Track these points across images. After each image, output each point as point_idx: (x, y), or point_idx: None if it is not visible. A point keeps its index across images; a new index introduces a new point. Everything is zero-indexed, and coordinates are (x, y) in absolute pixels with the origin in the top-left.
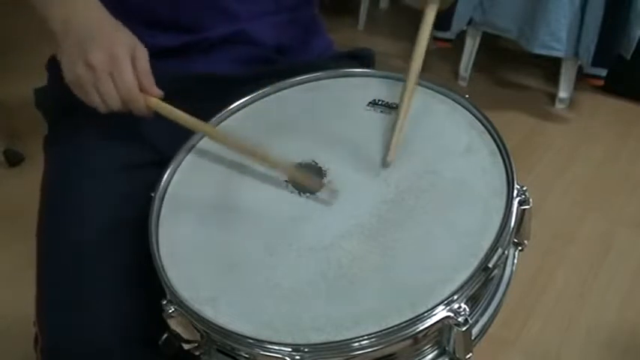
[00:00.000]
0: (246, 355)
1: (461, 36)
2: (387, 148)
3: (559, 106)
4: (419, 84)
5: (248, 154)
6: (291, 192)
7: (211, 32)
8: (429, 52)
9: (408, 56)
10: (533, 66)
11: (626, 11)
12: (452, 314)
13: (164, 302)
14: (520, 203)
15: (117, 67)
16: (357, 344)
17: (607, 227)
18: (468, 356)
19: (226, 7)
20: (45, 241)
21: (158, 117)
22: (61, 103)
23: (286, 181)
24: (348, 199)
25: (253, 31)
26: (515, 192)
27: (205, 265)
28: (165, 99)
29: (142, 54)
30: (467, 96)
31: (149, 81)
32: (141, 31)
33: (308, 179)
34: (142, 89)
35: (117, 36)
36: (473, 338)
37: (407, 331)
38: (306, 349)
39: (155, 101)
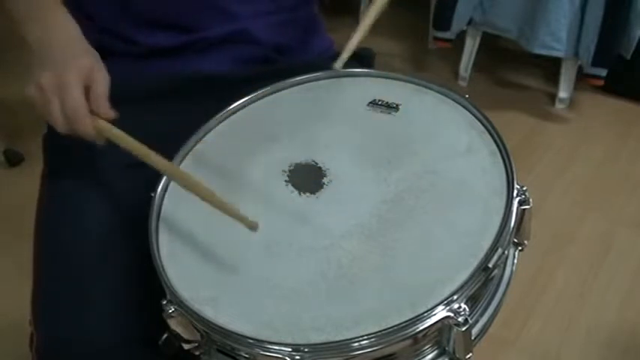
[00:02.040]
0: (246, 355)
1: (461, 36)
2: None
3: (559, 106)
4: (417, 84)
5: (197, 193)
6: (291, 192)
7: (210, 32)
8: (429, 52)
9: (408, 56)
10: (533, 66)
11: (626, 11)
12: (452, 314)
13: (164, 302)
14: (520, 203)
15: (64, 91)
16: (357, 344)
17: (607, 227)
18: (468, 356)
19: (225, 7)
20: (43, 240)
21: (157, 118)
22: None
23: (286, 181)
24: (348, 199)
25: (252, 30)
26: (515, 192)
27: (205, 265)
28: (165, 99)
29: (100, 78)
30: (467, 96)
31: (101, 104)
32: (140, 31)
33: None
34: (93, 112)
35: (73, 62)
36: (473, 338)
37: (407, 331)
38: (306, 349)
39: (102, 123)
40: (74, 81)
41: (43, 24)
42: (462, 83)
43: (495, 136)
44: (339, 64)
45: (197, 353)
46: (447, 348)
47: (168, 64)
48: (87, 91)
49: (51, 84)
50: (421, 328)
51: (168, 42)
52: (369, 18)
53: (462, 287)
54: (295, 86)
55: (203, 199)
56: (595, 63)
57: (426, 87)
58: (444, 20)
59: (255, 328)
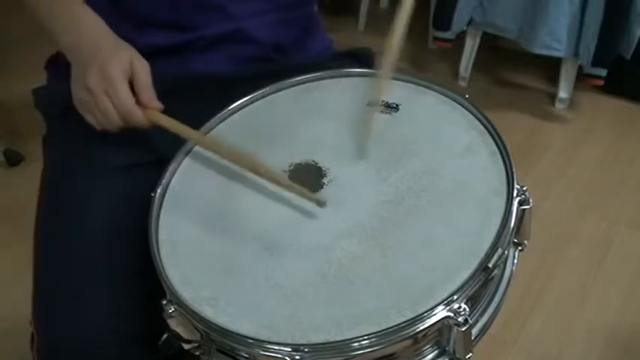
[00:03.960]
0: (246, 355)
1: (461, 36)
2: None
3: (559, 106)
4: (418, 84)
5: (250, 168)
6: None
7: (207, 31)
8: (429, 52)
9: (408, 56)
10: (533, 66)
11: (626, 11)
12: (452, 314)
13: (164, 302)
14: (520, 203)
15: (111, 87)
16: (357, 344)
17: (607, 227)
18: (468, 356)
19: (222, 6)
20: (43, 240)
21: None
22: (59, 103)
23: None
24: (348, 199)
25: (250, 29)
26: (515, 192)
27: (205, 265)
28: (164, 99)
29: (141, 68)
30: (467, 96)
31: (148, 94)
32: (136, 31)
33: (302, 188)
34: (141, 103)
35: (111, 57)
36: (473, 338)
37: (407, 331)
38: (306, 349)
39: (155, 114)
40: (119, 77)
41: (72, 26)
42: (462, 83)
43: (495, 136)
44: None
45: (197, 353)
46: (447, 348)
47: (166, 64)
48: (130, 82)
49: (98, 84)
50: (421, 328)
51: (165, 41)
52: (400, 26)
53: (462, 287)
54: (295, 86)
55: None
56: (595, 63)
57: (426, 87)
58: (444, 20)
59: (255, 328)
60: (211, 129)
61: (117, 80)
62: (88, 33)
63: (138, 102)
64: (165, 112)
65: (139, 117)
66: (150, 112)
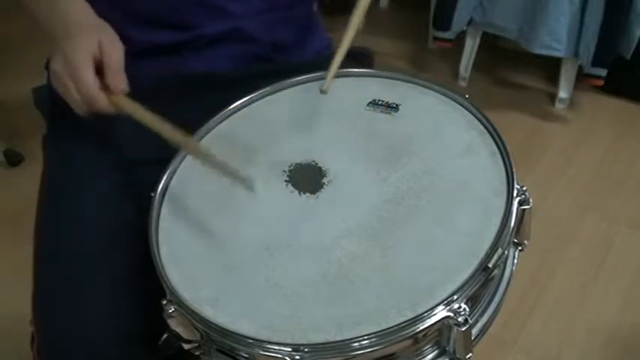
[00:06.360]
0: (246, 355)
1: (461, 36)
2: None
3: (559, 106)
4: (417, 84)
5: (208, 162)
6: (291, 192)
7: (206, 29)
8: (429, 52)
9: (408, 56)
10: (533, 66)
11: (626, 11)
12: (452, 314)
13: (164, 302)
14: (520, 203)
15: (73, 72)
16: (357, 344)
17: (607, 227)
18: (468, 356)
19: (221, 5)
20: (43, 240)
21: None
22: (60, 103)
23: (286, 181)
24: (348, 198)
25: (248, 28)
26: (515, 192)
27: (205, 265)
28: (163, 98)
29: (111, 51)
30: (467, 96)
31: (115, 79)
32: (136, 29)
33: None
34: (107, 87)
35: (80, 41)
36: (473, 338)
37: (407, 331)
38: (306, 349)
39: (120, 99)
40: (83, 62)
41: (54, 9)
42: (462, 83)
43: (495, 136)
44: (326, 84)
45: (197, 353)
46: (447, 348)
47: (165, 63)
48: (101, 65)
49: (62, 70)
50: (421, 328)
51: (165, 40)
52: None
53: (462, 287)
54: (295, 86)
55: (217, 170)
56: (595, 63)
57: (426, 87)
58: (444, 20)
59: (255, 328)
60: (210, 129)
61: (79, 65)
62: (62, 8)
63: (105, 86)
64: (164, 111)
65: (102, 103)
66: (115, 97)
